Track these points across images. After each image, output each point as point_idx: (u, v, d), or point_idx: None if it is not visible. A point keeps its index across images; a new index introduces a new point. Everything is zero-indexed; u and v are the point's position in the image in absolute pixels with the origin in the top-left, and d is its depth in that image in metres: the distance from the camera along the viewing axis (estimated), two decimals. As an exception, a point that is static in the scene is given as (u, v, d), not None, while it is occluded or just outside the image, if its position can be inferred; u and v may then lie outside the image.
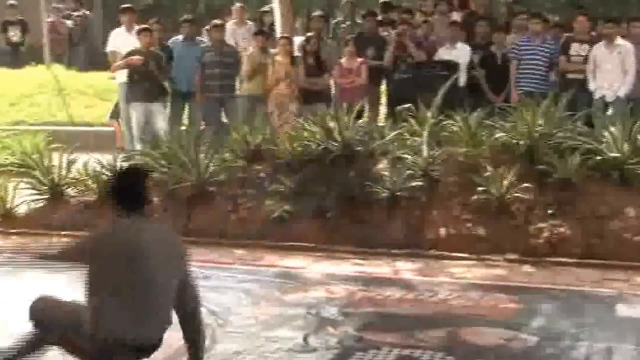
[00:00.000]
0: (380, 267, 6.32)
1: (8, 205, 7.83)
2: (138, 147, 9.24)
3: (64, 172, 7.97)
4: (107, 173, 7.84)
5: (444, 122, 7.62)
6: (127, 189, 3.82)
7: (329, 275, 6.04)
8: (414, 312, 5.19)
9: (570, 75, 8.68)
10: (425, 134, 7.43)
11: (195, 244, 7.12)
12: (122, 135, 10.49)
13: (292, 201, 7.21)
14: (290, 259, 6.53)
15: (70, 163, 8.06)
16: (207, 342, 4.09)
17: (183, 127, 9.62)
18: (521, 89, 8.72)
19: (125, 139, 10.20)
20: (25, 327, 3.89)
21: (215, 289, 5.57)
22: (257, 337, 4.70)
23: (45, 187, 7.89)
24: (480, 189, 6.84)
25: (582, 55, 8.62)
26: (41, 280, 5.50)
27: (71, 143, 8.74)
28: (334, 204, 7.07)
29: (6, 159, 8.76)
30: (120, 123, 10.57)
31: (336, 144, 7.44)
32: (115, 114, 11.23)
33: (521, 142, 7.12)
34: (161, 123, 9.48)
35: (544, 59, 8.79)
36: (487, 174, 6.95)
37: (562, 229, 6.54)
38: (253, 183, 7.59)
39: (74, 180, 7.97)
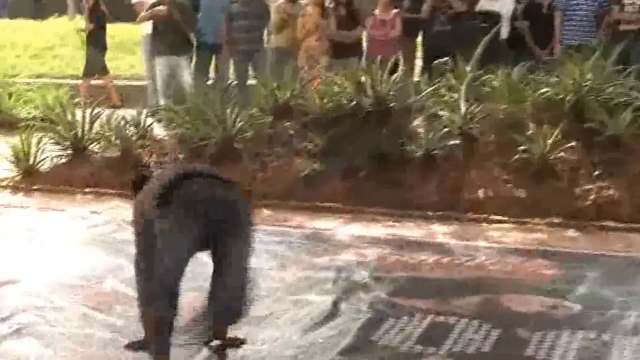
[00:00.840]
0: (413, 230, 6.25)
1: (31, 161, 7.86)
2: (162, 102, 9.23)
3: (87, 128, 7.98)
4: (130, 129, 7.85)
5: (484, 77, 7.51)
6: None
7: (359, 238, 5.98)
8: (449, 277, 5.12)
9: (622, 27, 8.44)
10: (463, 89, 7.31)
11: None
12: (111, 91, 10.49)
13: (322, 160, 7.14)
14: (319, 220, 6.47)
15: (94, 118, 8.07)
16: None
17: (209, 82, 9.58)
18: (567, 42, 8.52)
19: (148, 93, 10.19)
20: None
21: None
22: (284, 301, 4.66)
23: (68, 143, 7.91)
24: (521, 148, 6.72)
25: (638, 4, 8.37)
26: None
27: (94, 97, 8.77)
28: (366, 163, 7.00)
29: (29, 112, 8.80)
30: (106, 79, 10.57)
31: (368, 100, 7.35)
32: (89, 71, 11.21)
33: (567, 98, 6.96)
34: (186, 77, 9.44)
35: (592, 9, 8.56)
36: (530, 132, 6.83)
37: (610, 191, 6.39)
38: (281, 140, 7.54)
39: (98, 136, 7.98)
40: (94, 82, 11.58)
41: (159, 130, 8.24)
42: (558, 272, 5.18)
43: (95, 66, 11.51)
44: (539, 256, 5.51)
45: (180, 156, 7.61)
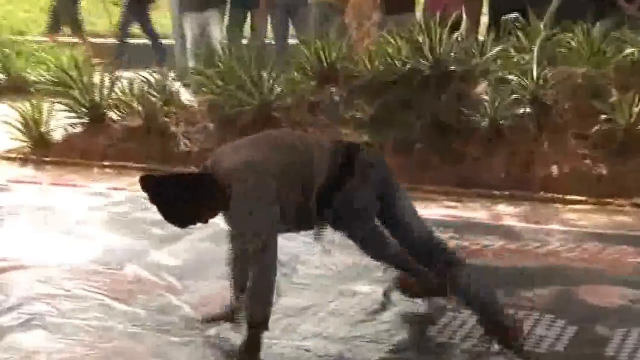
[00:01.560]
0: (476, 211, 6.24)
1: (42, 129, 7.95)
2: (191, 63, 9.27)
3: (105, 92, 8.05)
4: (155, 93, 7.90)
5: (559, 36, 7.46)
6: None
7: (415, 220, 5.97)
8: (517, 265, 5.10)
9: None
10: (535, 50, 7.24)
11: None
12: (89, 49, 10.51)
13: (372, 130, 7.13)
14: (369, 199, 6.47)
15: (113, 81, 8.14)
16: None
17: (244, 40, 9.59)
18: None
19: (175, 53, 10.25)
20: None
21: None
22: (328, 290, 4.68)
23: (85, 109, 7.99)
24: (603, 117, 6.66)
25: None
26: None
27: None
28: (422, 135, 6.98)
29: (41, 75, 8.90)
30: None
31: (426, 62, 7.32)
32: (52, 26, 11.20)
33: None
34: (218, 34, 9.47)
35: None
36: (613, 99, 6.75)
37: (703, 168, 6.33)
38: (326, 108, 7.55)
39: (118, 102, 8.05)
40: (65, 39, 11.56)
41: (186, 96, 8.30)
42: (644, 261, 5.13)
43: (64, 18, 11.50)
44: (622, 242, 5.45)
45: (211, 125, 7.66)
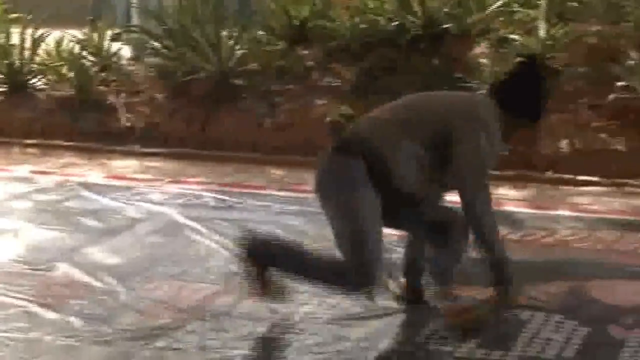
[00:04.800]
0: (474, 195, 6.27)
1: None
2: (135, 20, 9.23)
3: (27, 55, 8.00)
4: (89, 57, 7.84)
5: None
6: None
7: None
8: (521, 257, 5.10)
9: None
10: (542, 4, 7.28)
11: (214, 159, 7.19)
12: None
13: (353, 100, 7.16)
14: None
15: (38, 41, 8.08)
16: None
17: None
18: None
19: (115, 6, 10.18)
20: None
21: (241, 224, 5.55)
22: (300, 290, 4.69)
23: (2, 76, 7.94)
24: (620, 84, 6.75)
25: None
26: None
27: (38, 12, 8.66)
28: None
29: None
30: None
31: (415, 19, 7.34)
32: None
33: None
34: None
35: None
36: (631, 62, 6.83)
37: None
38: (297, 74, 7.55)
39: (43, 67, 8.00)
40: None
41: (129, 60, 8.27)
42: (667, 252, 5.20)
43: None
44: (642, 229, 5.53)
45: (159, 96, 7.66)
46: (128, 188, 6.40)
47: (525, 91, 4.26)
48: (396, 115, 4.21)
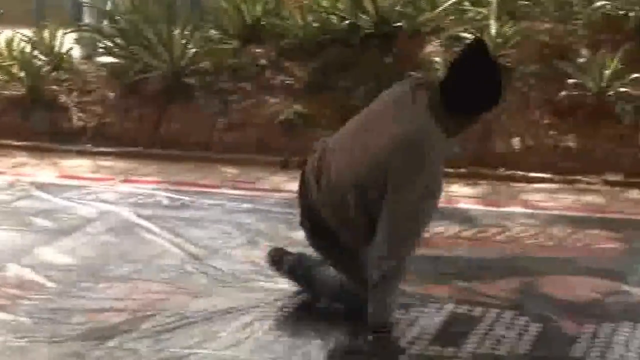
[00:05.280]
0: (427, 192, 6.28)
1: None
2: (86, 18, 9.17)
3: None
4: (40, 56, 7.79)
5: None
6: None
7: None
8: (474, 254, 5.16)
9: None
10: (493, 3, 7.31)
11: (167, 158, 7.17)
12: None
13: (306, 99, 7.17)
14: (301, 181, 6.50)
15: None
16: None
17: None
18: None
19: (66, 4, 10.10)
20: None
21: (195, 223, 5.56)
22: (254, 289, 4.68)
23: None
24: (570, 81, 6.78)
25: None
26: None
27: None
28: (365, 102, 6.98)
29: None
30: None
31: (367, 18, 7.35)
32: None
33: (631, 14, 7.01)
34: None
35: None
36: (582, 60, 6.88)
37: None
38: (250, 73, 7.53)
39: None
40: None
41: (80, 59, 8.21)
42: (617, 247, 5.23)
43: None
44: (593, 226, 5.55)
45: (111, 95, 7.61)
46: (80, 187, 6.36)
47: (476, 74, 3.85)
48: (350, 149, 4.11)
